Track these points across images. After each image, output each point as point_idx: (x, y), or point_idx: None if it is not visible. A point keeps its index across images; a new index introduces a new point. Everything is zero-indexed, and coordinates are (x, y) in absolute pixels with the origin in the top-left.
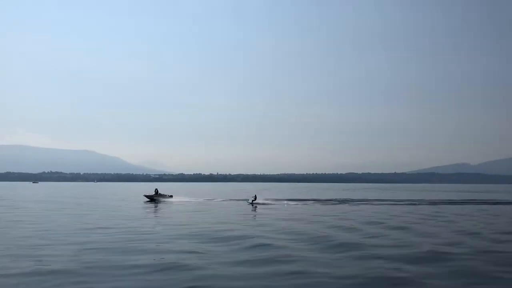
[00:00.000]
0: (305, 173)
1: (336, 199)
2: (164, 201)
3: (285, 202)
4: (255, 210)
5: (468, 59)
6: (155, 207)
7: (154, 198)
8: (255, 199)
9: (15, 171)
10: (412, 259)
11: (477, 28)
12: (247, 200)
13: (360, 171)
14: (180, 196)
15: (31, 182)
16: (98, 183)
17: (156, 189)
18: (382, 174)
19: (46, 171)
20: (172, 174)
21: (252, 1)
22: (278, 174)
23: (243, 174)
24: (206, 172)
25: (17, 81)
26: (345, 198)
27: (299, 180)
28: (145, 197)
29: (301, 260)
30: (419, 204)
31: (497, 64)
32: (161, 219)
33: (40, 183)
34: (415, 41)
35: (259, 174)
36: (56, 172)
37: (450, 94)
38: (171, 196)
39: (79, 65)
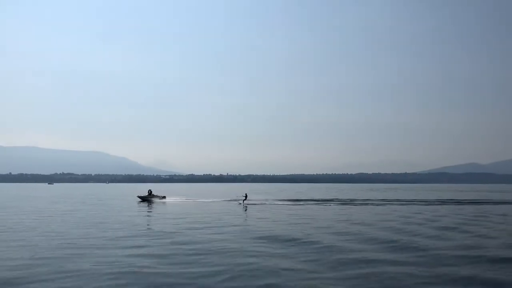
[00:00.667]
0: (315, 174)
1: (374, 199)
2: (157, 201)
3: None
4: (245, 210)
5: (479, 57)
6: (150, 208)
7: (147, 199)
8: (246, 198)
9: (28, 173)
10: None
11: (484, 26)
12: (238, 201)
13: (370, 171)
14: (174, 196)
15: (47, 183)
16: (110, 184)
17: (150, 190)
18: (392, 174)
19: (58, 172)
20: (182, 175)
21: (264, 1)
22: (288, 175)
23: (253, 175)
24: (216, 172)
25: (28, 83)
26: (367, 198)
27: (309, 181)
28: (138, 198)
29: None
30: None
31: (507, 63)
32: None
33: (56, 184)
34: (423, 40)
35: (269, 174)
36: (68, 174)
37: (460, 93)
38: (164, 197)
39: (89, 65)
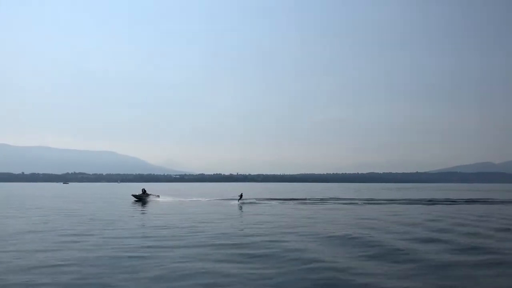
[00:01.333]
0: (325, 173)
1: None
2: (151, 200)
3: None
4: (241, 208)
5: (491, 56)
6: (144, 207)
7: (141, 198)
8: (241, 197)
9: (40, 172)
10: None
11: (497, 24)
12: (234, 200)
13: (381, 171)
14: (168, 196)
15: (62, 183)
16: (121, 183)
17: (144, 189)
18: (403, 173)
19: (70, 172)
20: (193, 174)
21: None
22: (298, 174)
23: (263, 174)
24: (226, 172)
25: (39, 83)
26: (392, 198)
27: (319, 180)
28: (133, 197)
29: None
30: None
31: None
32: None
33: (70, 184)
34: (436, 38)
35: (279, 174)
36: (80, 173)
37: (472, 92)
38: (158, 196)
39: (99, 66)
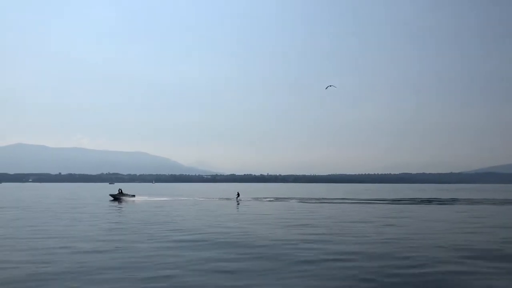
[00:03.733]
0: (357, 174)
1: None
2: (127, 200)
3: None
4: (237, 207)
5: None
6: (119, 205)
7: (117, 197)
8: (238, 196)
9: (76, 173)
10: None
11: None
12: (236, 199)
13: (414, 171)
14: (144, 195)
15: (108, 183)
16: (156, 183)
17: (120, 189)
18: (437, 174)
19: (105, 173)
20: (224, 175)
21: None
22: (329, 175)
23: (293, 175)
24: (256, 173)
25: (73, 87)
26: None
27: (350, 181)
28: (110, 196)
29: None
30: None
31: None
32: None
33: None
34: (467, 36)
35: (309, 174)
36: (114, 174)
37: (506, 89)
38: (133, 196)
39: (129, 69)
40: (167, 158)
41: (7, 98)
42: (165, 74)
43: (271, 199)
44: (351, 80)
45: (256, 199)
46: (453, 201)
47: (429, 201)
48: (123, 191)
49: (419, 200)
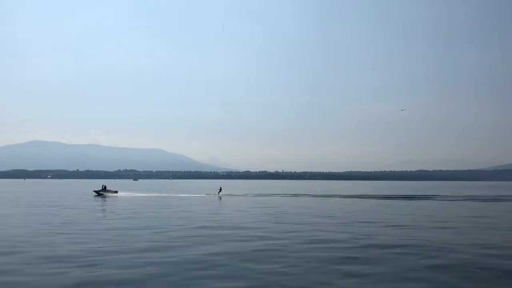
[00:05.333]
0: (372, 171)
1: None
2: (109, 195)
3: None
4: (220, 200)
5: None
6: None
7: (101, 193)
8: (220, 191)
9: (93, 169)
10: None
11: None
12: (216, 193)
13: (431, 169)
14: (126, 191)
15: (132, 180)
16: (173, 180)
17: (104, 185)
18: (455, 171)
19: (122, 169)
20: (239, 172)
21: None
22: (344, 172)
23: (309, 172)
24: (272, 169)
25: (88, 84)
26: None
27: (366, 178)
28: (94, 192)
29: None
30: None
31: None
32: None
33: (140, 181)
34: (483, 33)
35: (325, 171)
36: (131, 170)
37: None
38: (116, 192)
39: (144, 66)
40: (182, 155)
41: (21, 95)
42: (179, 72)
43: (253, 195)
44: (367, 77)
45: (230, 195)
46: None
47: None
48: (107, 187)
49: None
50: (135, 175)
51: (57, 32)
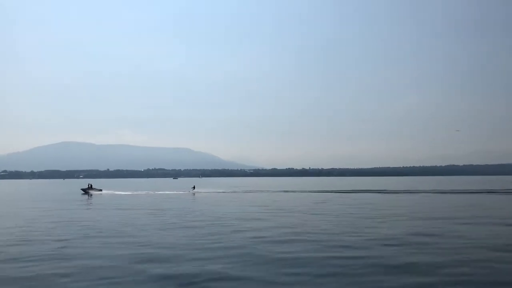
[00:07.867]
0: (401, 166)
1: None
2: (94, 193)
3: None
4: (193, 196)
5: None
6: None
7: (87, 191)
8: (194, 188)
9: (123, 169)
10: None
11: None
12: (190, 190)
13: (461, 163)
14: (111, 189)
15: (172, 178)
16: (203, 178)
17: (90, 184)
18: (486, 165)
19: (151, 168)
20: (265, 169)
21: None
22: (373, 168)
23: (337, 168)
24: (299, 166)
25: (115, 85)
26: None
27: (395, 174)
28: (81, 190)
29: None
30: None
31: None
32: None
33: (180, 179)
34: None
35: (353, 168)
36: (160, 169)
37: None
38: (100, 190)
39: (170, 67)
40: (209, 154)
41: (51, 97)
42: (204, 71)
43: (227, 191)
44: (396, 72)
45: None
46: None
47: None
48: (92, 186)
49: None
50: (164, 173)
51: (87, 36)
